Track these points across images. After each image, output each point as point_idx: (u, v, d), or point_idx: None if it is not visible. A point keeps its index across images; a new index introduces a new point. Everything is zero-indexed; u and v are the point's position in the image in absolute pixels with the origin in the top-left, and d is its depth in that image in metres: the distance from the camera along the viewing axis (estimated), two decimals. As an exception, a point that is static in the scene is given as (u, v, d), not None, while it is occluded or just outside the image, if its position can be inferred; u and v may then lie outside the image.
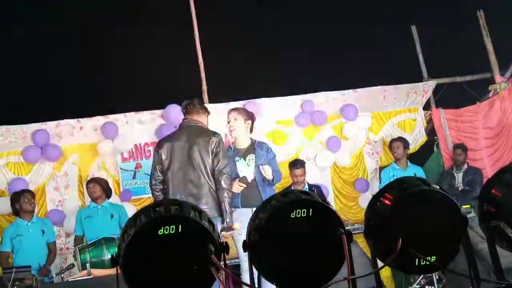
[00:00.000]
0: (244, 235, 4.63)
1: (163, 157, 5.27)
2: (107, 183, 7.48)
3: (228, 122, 5.50)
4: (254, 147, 5.45)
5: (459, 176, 8.10)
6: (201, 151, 5.09)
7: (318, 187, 7.73)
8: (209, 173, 5.05)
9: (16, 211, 6.90)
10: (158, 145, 5.40)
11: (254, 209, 4.93)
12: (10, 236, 6.81)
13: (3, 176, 8.03)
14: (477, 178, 7.95)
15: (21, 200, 6.82)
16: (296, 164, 7.35)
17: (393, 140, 8.21)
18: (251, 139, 5.56)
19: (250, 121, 5.50)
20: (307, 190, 7.20)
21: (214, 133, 5.22)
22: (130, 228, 2.45)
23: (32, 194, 7.04)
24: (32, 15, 8.79)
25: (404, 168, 7.91)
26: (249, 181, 5.22)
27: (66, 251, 7.94)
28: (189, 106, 5.46)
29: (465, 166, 8.18)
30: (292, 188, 7.35)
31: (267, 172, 5.20)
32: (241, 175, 5.26)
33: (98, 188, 7.13)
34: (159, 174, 5.34)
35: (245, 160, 5.36)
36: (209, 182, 5.05)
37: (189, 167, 5.11)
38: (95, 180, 7.28)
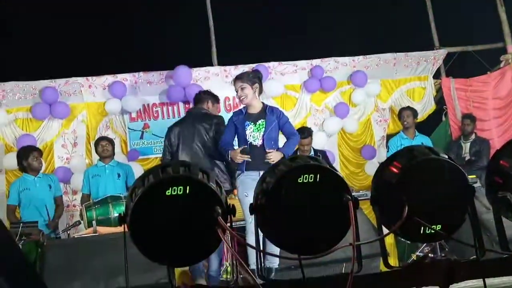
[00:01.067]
0: (251, 197, 4.69)
1: (172, 140, 5.98)
2: (114, 142, 7.51)
3: (236, 92, 5.43)
4: (265, 112, 5.38)
5: (466, 146, 8.08)
6: (206, 131, 5.90)
7: (323, 152, 7.72)
8: (212, 150, 5.78)
9: (23, 167, 6.94)
10: (168, 130, 6.07)
11: (261, 172, 5.06)
12: (17, 189, 6.85)
13: (12, 132, 8.08)
14: (484, 148, 7.91)
15: (29, 158, 6.85)
16: (304, 132, 7.26)
17: (403, 109, 8.16)
18: (263, 103, 5.51)
19: (257, 84, 5.41)
20: (313, 155, 7.20)
21: (216, 116, 6.11)
22: (138, 188, 2.46)
23: (39, 152, 7.08)
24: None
25: (411, 137, 7.87)
26: (258, 145, 5.22)
27: (73, 208, 8.01)
28: (199, 96, 6.34)
29: (473, 136, 8.14)
30: (298, 153, 7.35)
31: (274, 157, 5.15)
32: (250, 140, 5.25)
33: (111, 147, 7.17)
34: (168, 156, 5.97)
35: (255, 125, 5.29)
36: (213, 160, 5.79)
37: (195, 147, 5.88)
38: (107, 139, 7.31)
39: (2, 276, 2.81)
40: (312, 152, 7.38)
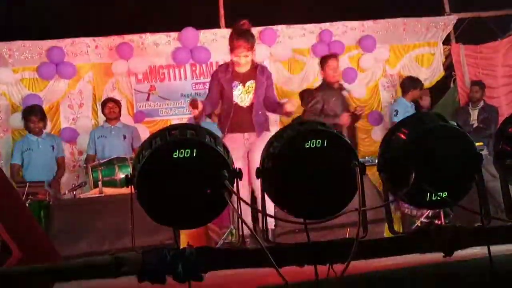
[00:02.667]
0: (238, 161, 4.67)
1: None
2: (120, 103, 7.52)
3: (237, 57, 5.07)
4: (256, 72, 5.14)
5: (474, 113, 8.04)
6: None
7: None
8: None
9: (27, 127, 6.97)
10: None
11: (245, 134, 5.03)
12: (20, 149, 6.91)
13: (18, 92, 8.10)
14: (493, 116, 7.87)
15: (30, 121, 6.88)
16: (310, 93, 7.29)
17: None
18: (252, 61, 5.20)
19: (254, 47, 5.17)
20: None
21: None
22: (145, 150, 2.46)
23: (41, 115, 7.04)
24: None
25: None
26: (244, 107, 5.09)
27: (79, 169, 8.05)
28: None
29: (481, 103, 8.10)
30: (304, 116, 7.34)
31: None
32: (237, 101, 5.07)
33: (118, 109, 7.19)
34: None
35: (243, 87, 5.11)
36: None
37: None
38: (114, 100, 7.32)
39: (10, 233, 2.84)
40: (319, 117, 7.36)
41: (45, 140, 7.01)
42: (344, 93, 6.87)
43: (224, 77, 5.12)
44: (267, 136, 5.12)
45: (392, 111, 8.13)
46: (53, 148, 7.03)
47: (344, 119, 6.32)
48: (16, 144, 7.12)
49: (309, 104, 6.61)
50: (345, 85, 8.55)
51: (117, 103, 7.27)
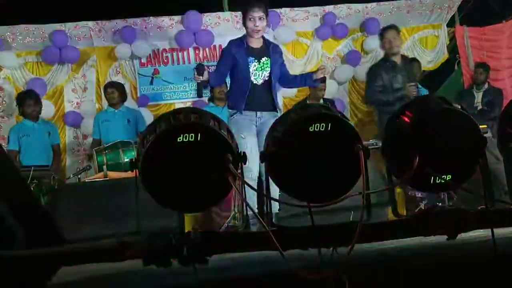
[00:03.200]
0: (247, 140, 4.64)
1: None
2: (123, 87, 7.47)
3: (252, 20, 4.93)
4: (269, 49, 5.04)
5: (478, 96, 7.99)
6: None
7: (332, 101, 7.68)
8: None
9: (22, 113, 6.92)
10: None
11: (258, 113, 4.99)
12: (17, 135, 6.83)
13: (22, 76, 8.10)
14: (497, 98, 7.83)
15: (25, 105, 6.82)
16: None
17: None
18: (263, 38, 5.13)
19: (268, 18, 5.10)
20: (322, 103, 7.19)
21: None
22: (149, 134, 2.47)
23: (35, 99, 6.94)
24: None
25: None
26: (258, 84, 4.96)
27: (83, 153, 8.06)
28: None
29: (486, 85, 8.04)
30: (307, 101, 7.34)
31: None
32: (251, 78, 4.92)
33: (117, 93, 7.13)
34: None
35: (259, 63, 4.96)
36: None
37: None
38: (113, 85, 7.26)
39: (15, 218, 2.85)
40: (321, 101, 7.35)
41: (41, 126, 6.95)
42: (409, 63, 6.63)
43: (238, 51, 4.97)
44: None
45: None
46: (49, 134, 6.98)
47: (409, 90, 6.00)
48: (12, 130, 7.00)
49: (373, 84, 6.38)
50: (348, 67, 8.57)
51: (117, 88, 7.18)
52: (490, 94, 7.89)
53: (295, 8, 8.60)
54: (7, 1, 7.37)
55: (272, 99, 5.02)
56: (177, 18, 8.32)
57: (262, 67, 4.98)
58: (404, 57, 6.50)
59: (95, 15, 8.16)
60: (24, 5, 8.01)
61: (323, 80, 7.25)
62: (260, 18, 4.93)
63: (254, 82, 4.95)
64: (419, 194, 6.39)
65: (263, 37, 5.13)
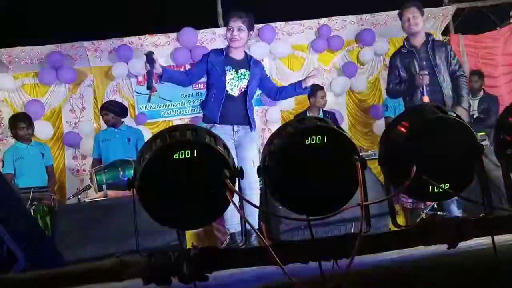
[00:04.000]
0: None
1: None
2: (120, 104, 7.40)
3: (229, 29, 4.95)
4: (249, 63, 5.00)
5: (474, 103, 7.99)
6: None
7: (332, 113, 7.71)
8: None
9: (15, 136, 6.90)
10: None
11: (234, 126, 4.89)
12: (11, 158, 6.80)
13: (19, 98, 8.13)
14: (493, 106, 7.83)
15: (17, 128, 6.79)
16: (321, 87, 7.41)
17: None
18: (245, 52, 5.13)
19: (251, 32, 5.09)
20: (321, 116, 7.20)
21: None
22: (146, 152, 2.47)
23: (27, 122, 6.89)
24: None
25: None
26: (235, 96, 4.90)
27: (82, 173, 8.07)
28: None
29: (481, 93, 8.05)
30: (307, 112, 7.36)
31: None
32: (227, 87, 4.86)
33: (111, 115, 7.02)
34: None
35: (236, 73, 4.92)
36: None
37: None
38: (105, 108, 7.14)
39: (15, 240, 2.85)
40: (321, 113, 7.37)
41: (34, 148, 6.92)
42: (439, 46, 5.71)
43: (216, 59, 4.95)
44: (256, 133, 5.08)
45: (383, 106, 8.09)
46: (43, 155, 6.95)
47: (417, 79, 5.39)
48: (6, 153, 6.96)
49: (389, 77, 5.87)
50: (345, 79, 8.58)
51: (109, 109, 7.08)
52: (486, 102, 7.89)
53: (290, 22, 8.65)
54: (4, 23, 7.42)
55: (247, 113, 4.95)
56: (172, 35, 8.37)
57: (239, 78, 4.93)
58: (431, 40, 5.66)
59: (91, 35, 8.19)
60: (20, 28, 8.06)
61: (320, 88, 7.30)
62: (238, 29, 4.91)
63: (230, 93, 4.90)
64: (421, 204, 6.39)
65: (245, 51, 5.14)
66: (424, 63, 5.50)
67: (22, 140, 6.84)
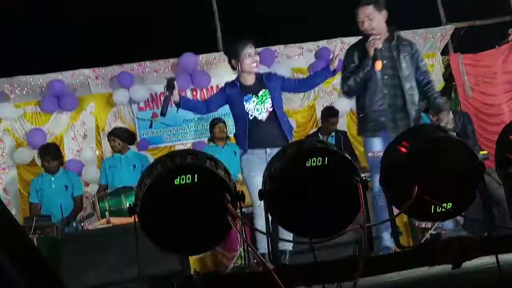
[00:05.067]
0: (258, 178, 4.49)
1: None
2: (126, 130, 7.37)
3: (250, 57, 4.83)
4: (263, 81, 4.91)
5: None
6: None
7: (344, 132, 7.70)
8: None
9: (43, 165, 6.95)
10: None
11: (267, 150, 4.81)
12: (35, 188, 6.88)
13: (21, 127, 8.12)
14: (467, 124, 7.53)
15: (44, 159, 6.85)
16: (334, 110, 7.51)
17: None
18: (255, 73, 4.97)
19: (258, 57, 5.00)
20: (333, 136, 7.25)
21: None
22: (146, 178, 2.47)
23: (53, 155, 6.91)
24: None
25: None
26: (263, 120, 4.78)
27: (85, 200, 8.04)
28: None
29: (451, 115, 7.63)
30: (319, 134, 7.37)
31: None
32: (254, 114, 4.80)
33: (118, 141, 7.01)
34: None
35: (257, 97, 4.82)
36: None
37: None
38: (113, 134, 7.13)
39: (17, 270, 2.83)
40: (334, 134, 7.41)
41: (59, 179, 6.92)
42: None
43: (232, 91, 4.91)
44: None
45: None
46: (66, 187, 6.95)
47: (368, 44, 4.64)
48: (32, 182, 7.05)
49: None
50: (346, 100, 8.60)
51: (117, 134, 7.07)
52: (460, 122, 7.61)
53: (290, 45, 8.67)
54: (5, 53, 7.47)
55: (281, 131, 4.84)
56: (173, 60, 8.39)
57: (262, 100, 4.86)
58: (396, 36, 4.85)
59: (91, 62, 8.23)
60: (21, 57, 8.12)
61: (334, 114, 7.29)
62: (255, 53, 4.91)
63: (259, 118, 4.82)
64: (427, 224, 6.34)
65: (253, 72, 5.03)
66: (385, 61, 4.62)
67: (48, 171, 6.91)
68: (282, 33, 8.99)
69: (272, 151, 4.81)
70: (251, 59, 4.88)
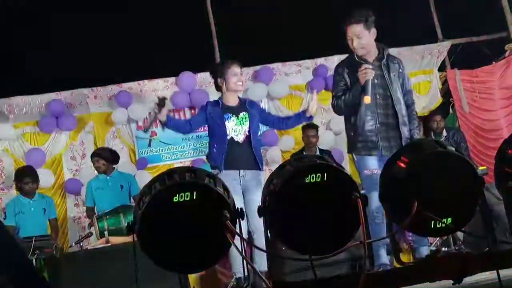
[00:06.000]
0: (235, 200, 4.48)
1: None
2: (110, 151, 7.23)
3: (236, 75, 4.94)
4: (245, 105, 5.00)
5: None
6: None
7: (329, 152, 7.68)
8: None
9: (20, 188, 6.82)
10: None
11: (241, 171, 4.83)
12: (13, 211, 6.69)
13: (20, 147, 8.12)
14: (461, 141, 7.51)
15: (22, 182, 6.71)
16: (310, 125, 7.32)
17: None
18: (239, 97, 5.10)
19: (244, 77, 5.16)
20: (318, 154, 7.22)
21: None
22: (145, 196, 2.46)
23: (33, 178, 6.80)
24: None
25: None
26: (240, 142, 4.85)
27: (84, 220, 8.02)
28: None
29: (444, 133, 7.65)
30: (304, 152, 7.35)
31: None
32: (231, 134, 4.84)
33: (102, 162, 6.87)
34: None
35: (237, 118, 4.89)
36: None
37: None
38: (97, 154, 7.02)
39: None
40: (318, 152, 7.36)
41: (37, 202, 6.79)
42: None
43: (213, 110, 4.96)
44: (264, 175, 5.03)
45: None
46: (45, 211, 6.86)
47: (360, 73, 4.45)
48: (8, 205, 6.83)
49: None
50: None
51: (100, 155, 6.96)
52: (456, 135, 7.59)
53: (287, 63, 8.71)
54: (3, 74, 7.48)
55: (254, 157, 4.90)
56: (171, 79, 8.42)
57: (241, 122, 4.92)
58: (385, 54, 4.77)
59: (90, 81, 8.25)
60: (19, 77, 8.13)
61: (309, 126, 7.30)
62: (241, 73, 4.99)
63: (236, 140, 4.87)
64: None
65: (238, 96, 5.12)
66: (376, 81, 4.49)
67: (25, 195, 6.76)
68: (280, 51, 9.01)
69: (245, 173, 4.86)
70: (237, 78, 4.96)
